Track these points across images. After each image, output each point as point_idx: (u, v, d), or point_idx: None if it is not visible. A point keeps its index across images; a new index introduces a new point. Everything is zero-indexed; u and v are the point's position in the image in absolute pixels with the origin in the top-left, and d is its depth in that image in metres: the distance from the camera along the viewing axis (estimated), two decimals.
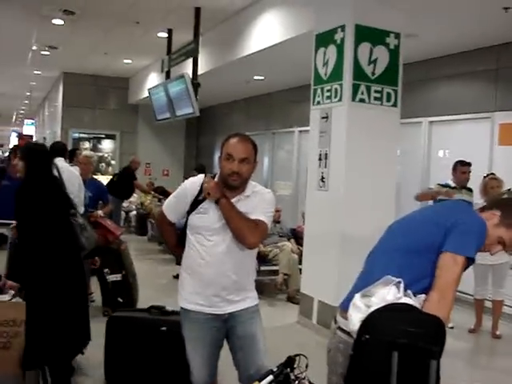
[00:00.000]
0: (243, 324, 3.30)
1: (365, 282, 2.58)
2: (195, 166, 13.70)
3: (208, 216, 3.19)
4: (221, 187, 3.18)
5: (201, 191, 3.22)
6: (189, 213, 3.26)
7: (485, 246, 2.67)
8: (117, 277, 6.74)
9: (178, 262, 3.45)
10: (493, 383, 5.52)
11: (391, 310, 2.35)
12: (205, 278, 3.23)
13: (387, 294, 2.41)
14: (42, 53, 13.33)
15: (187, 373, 3.37)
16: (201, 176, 3.33)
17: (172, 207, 3.42)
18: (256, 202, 3.27)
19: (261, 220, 3.23)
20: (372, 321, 2.33)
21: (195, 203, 3.23)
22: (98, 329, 5.91)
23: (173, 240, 3.55)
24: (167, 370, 4.48)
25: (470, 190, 6.92)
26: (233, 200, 3.18)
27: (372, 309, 2.37)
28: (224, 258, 3.20)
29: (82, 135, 16.94)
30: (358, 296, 2.48)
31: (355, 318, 2.42)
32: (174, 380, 4.43)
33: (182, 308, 3.34)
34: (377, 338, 2.29)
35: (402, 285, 2.44)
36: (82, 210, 6.27)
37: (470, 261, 2.58)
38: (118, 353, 4.71)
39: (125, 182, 12.23)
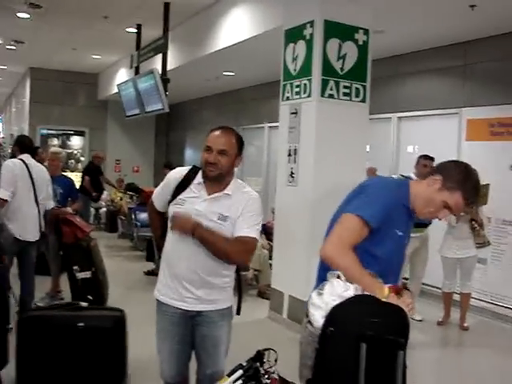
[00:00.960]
0: (210, 325, 3.25)
1: (326, 271, 2.61)
2: (164, 163, 13.71)
3: (184, 208, 3.15)
4: (190, 218, 3.07)
5: (183, 181, 3.21)
6: (169, 202, 3.24)
7: (431, 213, 2.71)
8: (86, 274, 6.66)
9: (149, 259, 3.48)
10: (461, 374, 5.61)
11: (354, 302, 2.37)
12: (175, 271, 3.20)
13: (337, 288, 2.42)
14: (8, 47, 13.08)
15: (108, 368, 3.43)
16: (188, 167, 3.31)
17: (158, 195, 3.42)
18: (239, 206, 3.15)
19: (250, 237, 3.13)
20: (336, 313, 2.34)
21: (175, 193, 3.21)
22: None
23: (159, 230, 3.52)
24: (87, 367, 4.13)
25: None
26: (211, 196, 3.15)
27: (331, 305, 2.38)
28: (194, 253, 3.13)
29: (50, 132, 16.73)
30: (314, 295, 2.49)
31: (317, 315, 2.42)
32: (94, 377, 4.16)
33: (156, 300, 3.34)
34: (342, 330, 2.31)
35: (341, 275, 2.46)
36: (52, 204, 6.25)
37: (368, 223, 2.60)
38: (31, 356, 4.07)
39: (91, 178, 12.19)
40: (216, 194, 3.16)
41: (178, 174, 3.28)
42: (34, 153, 6.37)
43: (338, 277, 2.45)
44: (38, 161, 6.40)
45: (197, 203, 3.14)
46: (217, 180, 3.15)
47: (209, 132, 3.23)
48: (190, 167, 3.30)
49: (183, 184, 3.20)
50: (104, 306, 6.81)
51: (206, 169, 3.13)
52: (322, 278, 2.61)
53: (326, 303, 2.40)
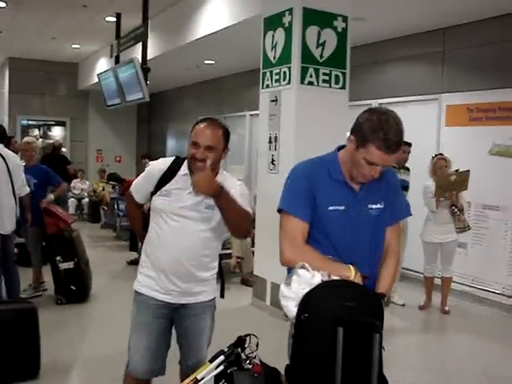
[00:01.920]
0: (194, 317, 3.20)
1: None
2: (142, 154, 13.70)
3: (169, 199, 3.09)
4: (213, 179, 2.98)
5: (167, 172, 3.13)
6: (152, 193, 3.16)
7: (363, 174, 2.56)
8: (69, 264, 6.67)
9: (132, 248, 3.45)
10: (442, 358, 5.68)
11: (326, 288, 2.38)
12: (160, 263, 3.12)
13: (304, 276, 2.43)
14: None
15: (20, 361, 3.36)
16: (172, 158, 3.23)
17: (139, 188, 3.32)
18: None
19: (248, 210, 3.12)
20: (309, 300, 2.35)
21: (159, 184, 3.13)
22: (50, 319, 5.90)
23: (139, 223, 3.43)
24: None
25: (408, 169, 7.08)
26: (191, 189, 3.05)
27: (301, 294, 2.38)
28: (181, 245, 3.08)
29: (30, 122, 16.60)
30: (283, 287, 2.48)
31: (290, 305, 2.41)
32: (6, 370, 4.32)
33: (135, 291, 3.23)
34: (316, 316, 2.32)
35: (306, 264, 2.46)
36: (26, 190, 6.18)
37: (303, 220, 2.61)
38: None
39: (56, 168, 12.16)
40: None
41: (161, 165, 3.19)
42: (7, 142, 6.32)
43: (303, 266, 2.45)
44: (13, 150, 6.34)
45: (183, 195, 3.08)
46: None
47: (194, 124, 3.11)
48: (173, 158, 3.23)
49: (168, 175, 3.13)
50: (87, 295, 6.86)
51: (194, 165, 3.02)
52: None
53: (295, 293, 2.40)
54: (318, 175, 2.64)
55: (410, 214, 2.92)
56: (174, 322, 3.24)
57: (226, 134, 3.16)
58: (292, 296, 2.41)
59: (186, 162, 3.14)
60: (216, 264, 3.27)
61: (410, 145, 6.96)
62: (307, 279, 2.42)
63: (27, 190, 6.21)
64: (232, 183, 3.17)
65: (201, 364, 3.07)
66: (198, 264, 3.13)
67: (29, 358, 4.49)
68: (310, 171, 2.67)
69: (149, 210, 3.26)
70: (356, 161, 2.53)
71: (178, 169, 3.14)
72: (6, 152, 5.88)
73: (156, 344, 3.18)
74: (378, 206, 2.67)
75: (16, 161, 6.01)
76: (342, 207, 2.61)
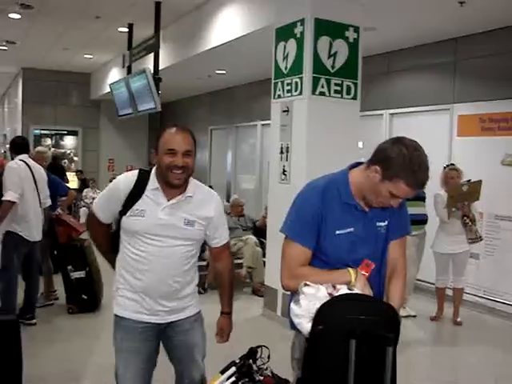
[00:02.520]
0: (182, 334, 3.06)
1: None
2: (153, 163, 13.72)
3: (145, 219, 2.85)
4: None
5: (135, 189, 2.87)
6: (121, 213, 2.89)
7: (383, 203, 2.53)
8: (80, 274, 6.69)
9: (113, 267, 3.12)
10: (454, 369, 5.64)
11: (341, 300, 2.38)
12: (143, 285, 2.91)
13: (310, 292, 2.44)
14: (0, 48, 13.09)
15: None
16: (135, 172, 2.98)
17: (104, 206, 3.03)
18: (206, 207, 2.98)
19: (227, 244, 3.17)
20: (324, 312, 2.34)
21: (128, 203, 2.87)
22: (62, 327, 5.92)
23: (106, 244, 3.15)
24: None
25: None
26: (173, 200, 2.87)
27: (313, 309, 2.37)
28: (164, 264, 2.89)
29: (43, 132, 16.70)
30: (293, 306, 2.48)
31: (303, 322, 2.40)
32: None
33: (116, 315, 3.01)
34: (330, 328, 2.31)
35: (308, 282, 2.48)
36: (49, 202, 6.32)
37: (307, 247, 2.59)
38: None
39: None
40: (177, 198, 2.88)
41: (127, 181, 2.92)
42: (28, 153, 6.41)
43: (306, 284, 2.46)
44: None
45: (158, 211, 2.85)
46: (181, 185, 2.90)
47: (161, 132, 2.89)
48: (136, 171, 2.97)
49: (136, 192, 2.87)
50: (99, 304, 6.87)
51: (171, 175, 2.80)
52: None
53: (307, 310, 2.39)
54: (328, 199, 2.57)
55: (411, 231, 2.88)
56: (163, 341, 3.09)
57: (195, 140, 2.96)
58: (304, 314, 2.40)
59: (152, 174, 2.92)
60: (197, 275, 3.12)
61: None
62: (313, 294, 2.42)
63: (49, 202, 6.33)
64: (207, 198, 3.03)
65: (201, 379, 3.04)
66: (181, 280, 2.97)
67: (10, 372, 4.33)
68: (321, 194, 2.59)
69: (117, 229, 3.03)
70: (378, 191, 2.48)
71: (146, 183, 2.90)
72: (32, 163, 6.03)
73: (145, 367, 3.01)
74: (386, 223, 2.65)
75: (41, 172, 6.16)
76: (351, 229, 2.57)
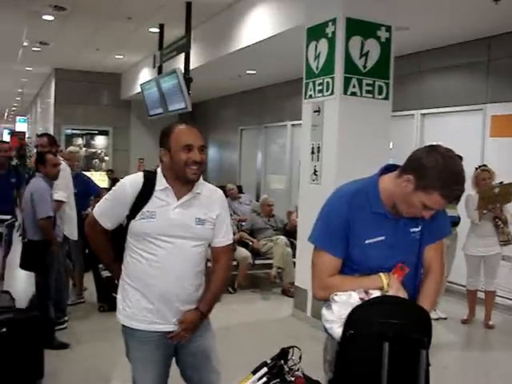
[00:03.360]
0: (196, 339, 2.96)
1: None
2: None
3: (156, 220, 2.78)
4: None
5: (143, 191, 2.82)
6: (129, 217, 2.82)
7: (415, 213, 2.43)
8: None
9: (117, 277, 3.01)
10: (486, 373, 5.57)
11: (373, 304, 2.36)
12: (157, 290, 2.82)
13: (342, 299, 2.43)
14: (33, 49, 13.27)
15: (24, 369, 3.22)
16: (140, 173, 2.92)
17: (108, 211, 2.92)
18: (213, 205, 2.93)
19: (230, 246, 3.05)
20: (355, 316, 2.32)
21: (137, 206, 2.80)
22: (93, 326, 5.96)
23: (110, 252, 3.02)
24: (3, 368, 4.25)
25: None
26: (184, 199, 2.83)
27: (344, 315, 2.35)
28: (179, 266, 2.83)
29: (74, 131, 16.88)
30: (324, 311, 2.47)
31: (335, 327, 2.40)
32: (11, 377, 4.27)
33: (126, 327, 2.92)
34: (362, 332, 2.29)
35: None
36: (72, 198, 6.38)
37: (336, 256, 2.53)
38: None
39: None
40: (187, 197, 2.84)
41: (134, 184, 2.85)
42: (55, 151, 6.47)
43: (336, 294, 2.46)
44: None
45: (169, 212, 2.81)
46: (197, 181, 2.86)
47: (169, 130, 2.85)
48: (141, 173, 2.92)
49: (145, 194, 2.81)
50: None
51: (189, 171, 2.77)
52: None
53: (338, 316, 2.38)
54: (356, 207, 2.50)
55: (450, 232, 2.79)
56: (176, 350, 2.98)
57: None
58: (335, 319, 2.40)
59: (159, 175, 2.87)
60: (204, 279, 3.02)
61: (461, 158, 6.87)
62: (345, 300, 2.41)
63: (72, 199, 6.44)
64: (213, 195, 2.98)
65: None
66: (194, 283, 2.91)
67: (32, 367, 4.46)
68: (352, 205, 2.51)
69: (115, 236, 2.94)
70: (410, 201, 2.38)
71: (153, 184, 2.84)
72: (64, 165, 6.08)
73: (163, 375, 2.97)
74: (420, 228, 2.55)
75: (68, 170, 6.23)
76: (382, 238, 2.50)
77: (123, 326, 2.94)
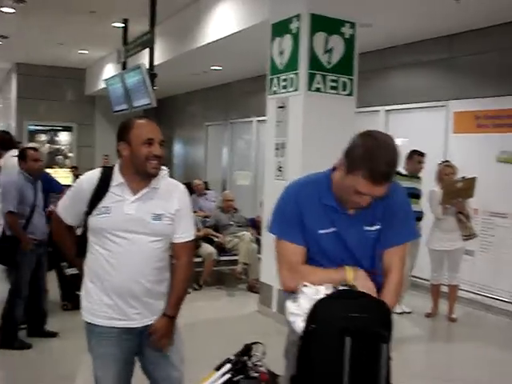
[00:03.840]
0: None
1: None
2: None
3: (111, 216, 2.78)
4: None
5: (98, 187, 2.82)
6: (87, 213, 2.83)
7: (352, 202, 2.40)
8: (73, 270, 6.62)
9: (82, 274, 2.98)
10: (449, 366, 5.65)
11: (334, 298, 2.35)
12: (114, 286, 2.81)
13: (309, 293, 2.42)
14: None
15: None
16: (97, 169, 2.92)
17: (68, 208, 2.96)
18: (172, 199, 2.90)
19: (193, 240, 3.02)
20: (317, 310, 2.31)
21: (94, 202, 2.81)
22: (57, 325, 5.88)
23: (72, 248, 3.04)
24: None
25: (419, 177, 7.03)
26: (139, 194, 2.82)
27: (307, 310, 2.34)
28: (134, 262, 2.81)
29: (38, 128, 16.62)
30: (289, 304, 2.45)
31: (298, 321, 2.39)
32: None
33: (88, 323, 2.91)
34: (324, 326, 2.29)
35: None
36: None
37: (297, 244, 2.55)
38: None
39: None
40: (144, 191, 2.83)
41: (90, 180, 2.86)
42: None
43: (305, 284, 2.45)
44: None
45: (125, 207, 2.80)
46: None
47: (128, 124, 2.85)
48: (99, 170, 2.92)
49: (101, 190, 2.81)
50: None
51: (149, 165, 2.78)
52: None
53: (303, 310, 2.37)
54: (305, 198, 2.53)
55: (416, 237, 2.72)
56: (138, 347, 2.96)
57: None
58: (300, 313, 2.39)
59: (116, 170, 2.87)
60: (168, 275, 3.00)
61: (423, 155, 6.97)
62: (311, 295, 2.40)
63: None
64: (173, 190, 2.95)
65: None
66: (153, 279, 2.88)
67: None
68: (300, 195, 2.55)
69: (84, 232, 2.93)
70: (345, 187, 2.37)
71: (109, 180, 2.83)
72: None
73: (125, 373, 2.96)
74: (376, 227, 2.53)
75: None
76: (333, 229, 2.50)
77: (86, 322, 2.93)
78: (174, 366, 3.04)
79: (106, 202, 2.80)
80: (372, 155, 2.25)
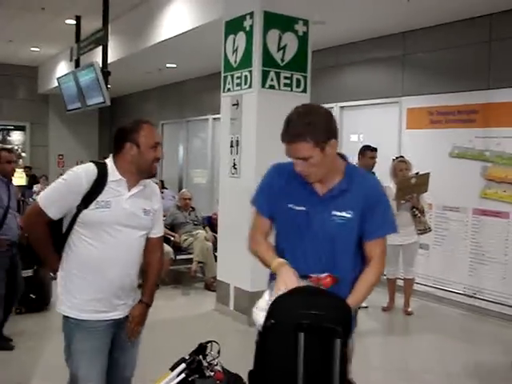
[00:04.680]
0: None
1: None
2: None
3: (111, 210, 2.88)
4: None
5: (97, 181, 2.87)
6: (80, 207, 2.86)
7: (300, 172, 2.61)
8: (28, 272, 6.51)
9: (54, 270, 3.03)
10: (405, 358, 5.72)
11: (292, 294, 2.37)
12: (108, 278, 2.92)
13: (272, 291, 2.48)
14: None
15: None
16: (90, 164, 2.96)
17: (58, 201, 2.90)
18: (154, 198, 3.12)
19: (162, 238, 3.26)
20: (275, 306, 2.35)
21: (91, 195, 2.85)
22: (10, 329, 5.75)
23: (50, 244, 2.99)
24: None
25: (373, 173, 7.10)
26: (134, 190, 2.97)
27: (264, 312, 2.40)
28: (127, 255, 2.97)
29: None
30: (259, 300, 2.54)
31: (261, 315, 2.43)
32: None
33: (71, 318, 2.95)
34: (280, 321, 2.31)
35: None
36: None
37: (261, 213, 2.82)
38: None
39: None
40: (136, 189, 2.99)
41: (89, 173, 2.90)
42: None
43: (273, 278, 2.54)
44: None
45: (122, 202, 2.92)
46: None
47: (138, 126, 2.98)
48: (92, 164, 2.96)
49: (99, 184, 2.88)
50: (48, 303, 6.72)
51: (154, 167, 3.01)
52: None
53: (267, 304, 2.42)
54: (284, 174, 2.71)
55: (396, 231, 2.80)
56: (114, 335, 3.07)
57: None
58: (265, 307, 2.42)
59: (110, 166, 2.96)
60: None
61: (375, 150, 7.04)
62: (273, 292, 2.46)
63: None
64: (154, 189, 3.19)
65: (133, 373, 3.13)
66: (137, 271, 3.09)
67: None
68: (278, 170, 2.78)
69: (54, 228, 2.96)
70: None
71: (106, 175, 2.92)
72: None
73: (105, 366, 3.02)
74: (344, 214, 2.59)
75: None
76: (303, 208, 2.62)
77: (67, 317, 2.97)
78: (136, 353, 3.20)
79: (105, 196, 2.88)
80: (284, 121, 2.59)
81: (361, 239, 2.67)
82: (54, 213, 2.90)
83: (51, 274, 3.08)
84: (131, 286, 3.05)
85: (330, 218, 2.59)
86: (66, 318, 2.98)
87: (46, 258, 3.10)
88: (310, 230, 2.61)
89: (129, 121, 3.07)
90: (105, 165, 2.97)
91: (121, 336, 3.08)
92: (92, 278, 2.91)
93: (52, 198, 2.93)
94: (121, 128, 3.05)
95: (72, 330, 2.97)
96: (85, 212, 2.86)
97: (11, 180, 5.64)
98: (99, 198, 2.87)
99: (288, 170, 2.67)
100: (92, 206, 2.86)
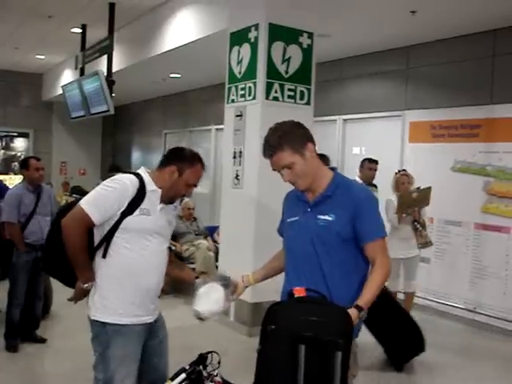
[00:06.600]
0: (162, 327, 3.29)
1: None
2: (109, 168, 13.42)
3: (152, 218, 3.01)
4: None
5: (139, 190, 2.98)
6: (125, 213, 2.94)
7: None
8: None
9: (88, 280, 3.02)
10: (405, 373, 5.70)
11: (296, 302, 2.41)
12: (145, 284, 3.05)
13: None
14: None
15: None
16: (131, 175, 3.06)
17: (105, 206, 2.92)
18: (172, 210, 3.30)
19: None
20: (277, 311, 2.36)
21: (135, 202, 2.95)
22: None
23: (87, 252, 3.00)
24: None
25: (375, 186, 7.13)
26: (162, 204, 3.09)
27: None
28: (162, 262, 3.14)
29: None
30: None
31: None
32: None
33: (111, 324, 3.00)
34: (282, 329, 2.33)
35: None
36: None
37: None
38: None
39: None
40: (162, 205, 3.11)
41: (133, 181, 2.99)
42: None
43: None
44: None
45: (157, 211, 3.05)
46: None
47: (195, 161, 3.15)
48: (132, 175, 3.05)
49: (140, 192, 2.98)
50: (48, 311, 6.72)
51: (175, 199, 3.23)
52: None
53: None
54: (290, 197, 3.03)
55: (383, 236, 2.87)
56: (147, 340, 3.17)
57: None
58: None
59: (147, 177, 3.06)
60: None
61: (376, 162, 7.07)
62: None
63: None
64: (174, 204, 3.36)
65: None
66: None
67: None
68: (287, 195, 3.08)
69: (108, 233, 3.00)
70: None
71: (145, 185, 3.02)
72: None
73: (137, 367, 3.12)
74: (326, 217, 2.75)
75: None
76: (296, 217, 2.87)
77: (104, 324, 3.01)
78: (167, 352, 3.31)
79: (147, 204, 3.01)
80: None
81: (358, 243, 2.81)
82: (97, 218, 2.92)
83: (82, 285, 3.01)
84: (159, 292, 3.19)
85: (314, 222, 2.77)
86: (103, 324, 3.02)
87: (82, 268, 3.02)
88: (298, 234, 2.83)
89: (191, 148, 3.28)
90: (141, 175, 3.08)
91: (157, 340, 3.22)
92: (131, 283, 3.02)
93: (97, 204, 2.93)
94: (180, 149, 3.22)
95: (111, 336, 3.01)
96: (129, 218, 2.96)
97: (40, 186, 5.81)
98: (143, 205, 2.99)
99: (294, 193, 2.95)
100: (136, 212, 2.97)
